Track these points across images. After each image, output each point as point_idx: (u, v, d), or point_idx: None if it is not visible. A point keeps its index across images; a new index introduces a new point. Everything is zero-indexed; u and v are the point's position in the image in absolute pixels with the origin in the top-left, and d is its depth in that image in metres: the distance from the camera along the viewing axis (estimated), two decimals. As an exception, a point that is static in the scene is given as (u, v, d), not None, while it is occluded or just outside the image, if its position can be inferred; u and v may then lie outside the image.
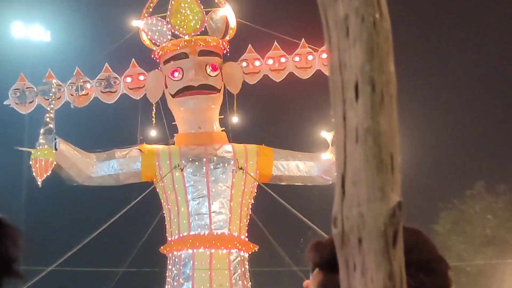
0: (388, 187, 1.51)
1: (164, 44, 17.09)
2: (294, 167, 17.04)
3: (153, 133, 17.43)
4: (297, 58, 17.27)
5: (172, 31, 17.05)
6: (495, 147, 27.04)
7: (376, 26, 1.55)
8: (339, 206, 1.55)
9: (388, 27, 1.57)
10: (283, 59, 17.29)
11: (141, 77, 17.23)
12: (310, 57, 17.24)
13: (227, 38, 17.40)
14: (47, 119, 15.69)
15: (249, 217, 16.66)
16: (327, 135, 16.24)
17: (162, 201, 16.62)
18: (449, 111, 27.16)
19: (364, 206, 1.50)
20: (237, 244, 16.14)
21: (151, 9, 17.25)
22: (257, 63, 17.34)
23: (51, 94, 16.22)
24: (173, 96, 16.77)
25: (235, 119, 17.42)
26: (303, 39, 17.31)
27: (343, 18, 1.56)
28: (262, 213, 17.41)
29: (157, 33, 17.08)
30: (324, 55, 17.10)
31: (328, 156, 16.25)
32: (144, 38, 17.29)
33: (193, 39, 16.92)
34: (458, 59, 26.40)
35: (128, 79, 17.22)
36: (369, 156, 1.51)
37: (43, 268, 15.92)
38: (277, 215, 18.07)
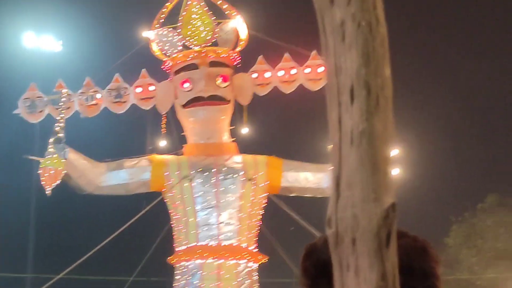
0: (382, 189, 1.53)
1: (174, 55, 17.14)
2: (303, 178, 17.00)
3: (162, 143, 17.47)
4: (307, 70, 17.27)
5: (183, 42, 17.11)
6: (507, 160, 26.93)
7: (372, 31, 1.57)
8: (333, 207, 1.57)
9: (384, 32, 1.60)
10: (293, 71, 17.29)
11: (151, 88, 17.29)
12: (320, 69, 17.22)
13: (238, 49, 17.44)
14: (57, 129, 15.77)
15: (258, 228, 16.65)
16: (336, 146, 16.21)
17: (170, 211, 16.63)
18: (460, 124, 27.09)
19: (358, 207, 1.52)
20: (246, 255, 16.12)
21: (162, 20, 17.31)
22: (267, 74, 17.34)
23: (61, 104, 16.31)
24: (183, 106, 16.81)
25: (245, 130, 17.42)
26: (314, 51, 17.32)
27: (340, 23, 1.59)
28: (272, 224, 17.39)
29: (167, 44, 17.13)
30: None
31: (337, 167, 16.21)
32: (155, 48, 17.34)
33: (203, 50, 16.98)
34: (470, 67, 26.32)
35: (138, 89, 17.28)
36: (364, 159, 1.53)
37: (51, 276, 15.97)
38: (287, 226, 18.04)
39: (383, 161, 1.55)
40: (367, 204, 1.52)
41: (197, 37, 17.04)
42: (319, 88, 17.28)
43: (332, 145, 1.63)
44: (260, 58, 17.54)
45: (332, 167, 1.61)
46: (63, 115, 15.99)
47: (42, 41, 19.42)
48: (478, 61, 26.50)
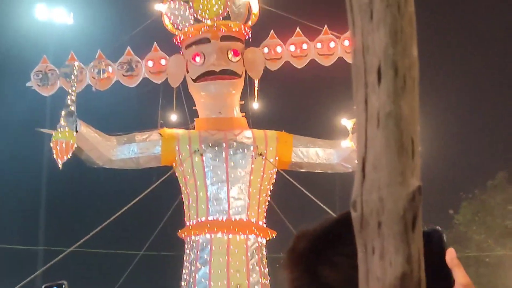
0: (408, 171, 1.51)
1: (186, 29, 17.10)
2: (313, 154, 17.00)
3: (173, 117, 17.48)
4: (319, 45, 17.21)
5: (195, 15, 17.04)
6: (518, 138, 26.85)
7: (401, 10, 1.54)
8: (359, 190, 1.55)
9: (412, 11, 1.57)
10: (305, 46, 17.23)
11: (163, 61, 17.26)
12: (332, 44, 17.17)
13: (250, 23, 17.37)
14: (69, 102, 15.76)
15: (267, 204, 16.68)
16: (347, 122, 16.19)
17: (181, 185, 16.66)
18: (472, 101, 26.98)
19: (384, 190, 1.50)
20: (255, 230, 16.16)
21: (174, -7, 17.25)
22: (279, 49, 17.29)
23: (73, 77, 16.29)
24: (194, 80, 16.77)
25: (255, 105, 17.41)
26: (325, 26, 17.25)
27: (368, 1, 1.55)
28: (281, 200, 17.42)
29: (179, 18, 17.08)
30: (346, 42, 17.04)
31: (348, 143, 16.20)
32: (167, 22, 17.29)
33: (215, 24, 16.91)
34: (484, 45, 26.16)
35: (150, 63, 17.26)
36: (390, 141, 1.51)
37: (63, 249, 16.07)
38: (296, 202, 18.07)
39: (409, 144, 1.52)
40: (393, 187, 1.50)
41: (208, 11, 16.97)
42: (330, 63, 17.25)
43: (357, 126, 1.60)
44: (272, 33, 17.48)
45: (358, 149, 1.58)
46: (74, 88, 15.98)
47: (54, 14, 19.36)
48: (492, 42, 26.35)
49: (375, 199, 1.54)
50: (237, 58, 16.79)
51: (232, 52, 16.72)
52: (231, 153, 16.22)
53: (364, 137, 1.57)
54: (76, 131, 15.60)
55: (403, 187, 1.50)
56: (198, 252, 15.94)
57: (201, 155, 16.18)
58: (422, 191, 1.52)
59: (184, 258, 16.37)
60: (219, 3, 16.98)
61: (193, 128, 17.06)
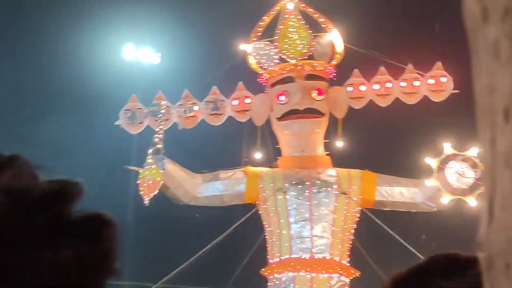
0: (537, 212, 1.49)
1: (271, 68, 17.26)
2: (397, 193, 16.82)
3: (257, 155, 17.58)
4: (403, 83, 17.11)
5: (279, 55, 17.22)
6: None
7: (527, 50, 1.54)
8: (486, 230, 1.54)
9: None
10: (389, 84, 17.15)
11: (248, 100, 17.45)
12: (416, 83, 17.04)
13: (334, 62, 17.41)
14: (156, 140, 16.08)
15: (351, 243, 16.53)
16: (431, 161, 15.97)
17: (264, 223, 16.69)
18: None
19: (512, 231, 1.49)
20: (338, 269, 16.04)
21: (259, 33, 17.47)
22: (362, 87, 17.26)
23: (160, 115, 16.62)
24: (278, 119, 16.88)
25: (339, 144, 17.36)
26: (409, 64, 17.14)
27: (494, 41, 1.56)
28: (365, 239, 17.23)
29: (264, 57, 17.27)
30: (431, 81, 16.89)
31: (432, 182, 15.97)
32: (252, 61, 17.50)
33: (300, 64, 17.04)
34: None
35: (235, 102, 17.47)
36: (519, 181, 1.50)
37: (149, 284, 16.26)
38: (380, 241, 17.84)
39: (539, 184, 1.51)
40: (522, 228, 1.49)
41: (293, 50, 17.12)
42: (415, 102, 17.09)
43: (484, 166, 1.60)
44: (356, 71, 17.47)
45: (485, 188, 1.58)
46: (162, 127, 16.30)
47: (141, 53, 19.85)
48: None
49: (503, 239, 1.52)
50: (321, 97, 16.83)
51: (316, 91, 16.79)
52: (315, 191, 16.20)
53: (491, 176, 1.56)
54: (163, 169, 15.86)
55: (533, 228, 1.49)
56: (281, 290, 15.91)
57: (285, 193, 16.22)
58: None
59: (268, 296, 16.33)
60: (304, 42, 17.11)
61: (277, 166, 17.11)
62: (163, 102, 16.89)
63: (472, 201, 15.55)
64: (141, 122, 17.38)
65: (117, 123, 17.59)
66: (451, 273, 1.74)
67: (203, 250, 16.07)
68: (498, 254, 1.54)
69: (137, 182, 16.04)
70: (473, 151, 15.66)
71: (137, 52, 19.89)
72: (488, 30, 1.61)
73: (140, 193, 15.95)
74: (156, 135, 16.13)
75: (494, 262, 1.54)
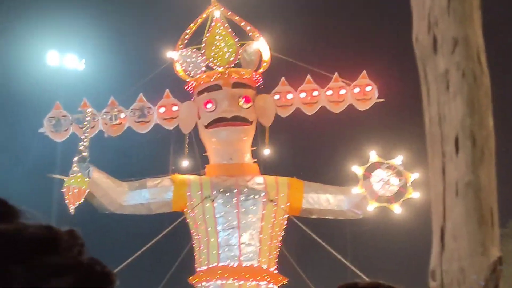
0: (488, 241, 1.51)
1: (198, 76, 17.22)
2: (324, 200, 16.97)
3: (185, 163, 17.49)
4: (329, 92, 17.29)
5: (207, 63, 17.18)
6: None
7: (477, 81, 1.57)
8: (438, 260, 1.55)
9: (488, 83, 1.59)
10: (315, 93, 17.31)
11: (175, 108, 17.34)
12: (342, 91, 17.26)
13: (261, 70, 17.49)
14: (81, 147, 15.81)
15: (279, 250, 16.60)
16: (357, 169, 16.18)
17: (192, 231, 16.61)
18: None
19: (465, 260, 1.50)
20: (266, 277, 16.07)
21: (186, 41, 17.41)
22: (289, 96, 17.38)
23: (85, 123, 16.37)
24: (206, 127, 16.84)
25: (266, 151, 17.42)
26: (336, 73, 17.35)
27: (444, 72, 1.58)
28: (292, 246, 17.33)
29: (191, 65, 17.20)
30: (356, 90, 17.14)
31: (358, 190, 16.18)
32: (178, 69, 17.42)
33: (227, 71, 17.03)
34: None
35: (162, 109, 17.35)
36: (470, 210, 1.52)
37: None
38: (308, 248, 17.98)
39: (488, 213, 1.53)
40: (474, 257, 1.51)
41: (220, 58, 17.11)
42: (340, 110, 17.31)
43: (434, 194, 1.61)
44: (283, 80, 17.58)
45: (435, 217, 1.59)
46: (87, 134, 16.05)
47: (65, 60, 19.54)
48: None
49: (455, 269, 1.54)
50: (248, 105, 16.87)
51: (243, 99, 16.82)
52: (242, 199, 16.21)
53: (442, 206, 1.57)
54: (89, 177, 15.63)
55: (485, 257, 1.51)
56: (210, 299, 15.85)
57: (212, 201, 16.18)
58: (502, 262, 1.52)
59: (195, 304, 16.25)
60: (231, 50, 17.12)
61: (205, 174, 17.07)
62: (89, 110, 16.62)
63: (397, 209, 15.85)
64: (66, 130, 17.08)
65: (41, 130, 17.25)
66: None
67: (130, 258, 15.86)
68: (451, 284, 1.55)
69: (62, 190, 15.74)
70: (398, 159, 15.99)
71: (61, 59, 19.56)
72: (438, 60, 1.63)
73: (66, 201, 15.67)
74: (82, 143, 15.85)
75: (446, 291, 1.55)
